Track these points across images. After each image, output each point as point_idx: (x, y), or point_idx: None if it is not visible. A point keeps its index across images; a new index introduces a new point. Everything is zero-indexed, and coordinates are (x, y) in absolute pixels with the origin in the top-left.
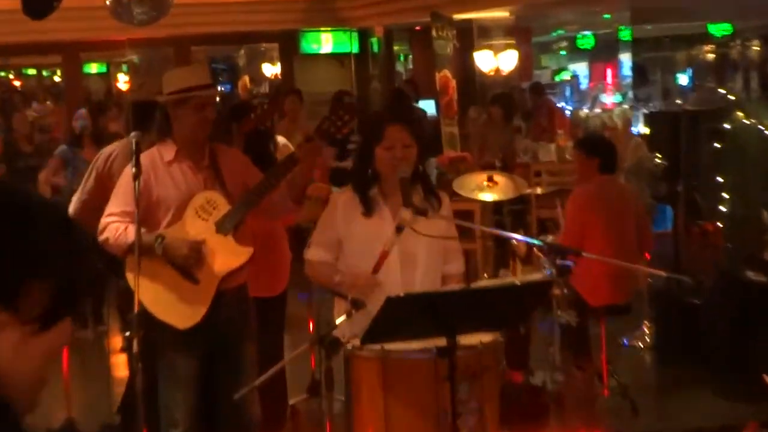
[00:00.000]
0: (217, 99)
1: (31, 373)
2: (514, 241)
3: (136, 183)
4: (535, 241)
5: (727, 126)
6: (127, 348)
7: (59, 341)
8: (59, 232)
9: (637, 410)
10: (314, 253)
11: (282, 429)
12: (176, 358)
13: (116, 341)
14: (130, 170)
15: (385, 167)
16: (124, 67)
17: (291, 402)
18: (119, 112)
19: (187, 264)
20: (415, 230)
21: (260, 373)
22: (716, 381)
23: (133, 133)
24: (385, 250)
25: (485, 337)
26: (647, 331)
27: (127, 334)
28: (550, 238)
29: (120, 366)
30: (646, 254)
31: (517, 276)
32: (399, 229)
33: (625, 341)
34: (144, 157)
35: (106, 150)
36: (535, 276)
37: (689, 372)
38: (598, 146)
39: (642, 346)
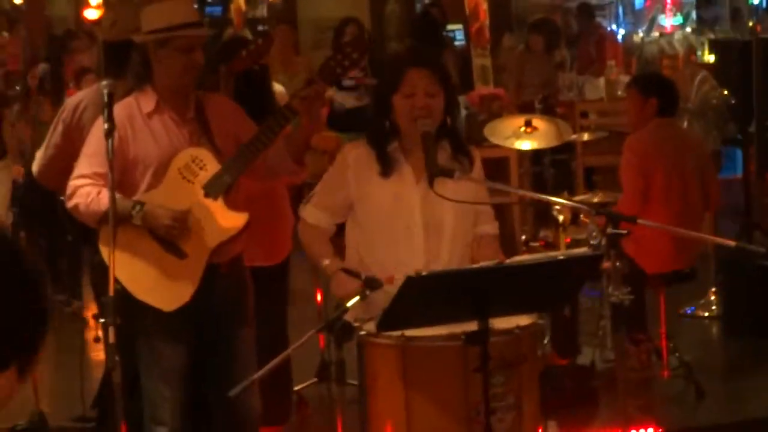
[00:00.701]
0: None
1: None
2: (556, 208)
3: (109, 141)
4: (582, 207)
5: None
6: (103, 338)
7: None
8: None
9: (702, 393)
10: (311, 214)
11: (286, 422)
12: (161, 346)
13: (89, 321)
14: (102, 125)
15: (404, 119)
16: None
17: (297, 388)
18: (90, 42)
19: (169, 236)
20: (438, 194)
21: (260, 358)
22: None
23: (104, 82)
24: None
25: (523, 321)
26: (714, 300)
27: (102, 321)
28: (598, 197)
29: (94, 348)
30: (712, 210)
31: (560, 239)
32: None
33: (688, 311)
34: (119, 109)
35: (74, 98)
36: (581, 249)
37: (764, 347)
38: (656, 85)
39: (707, 315)
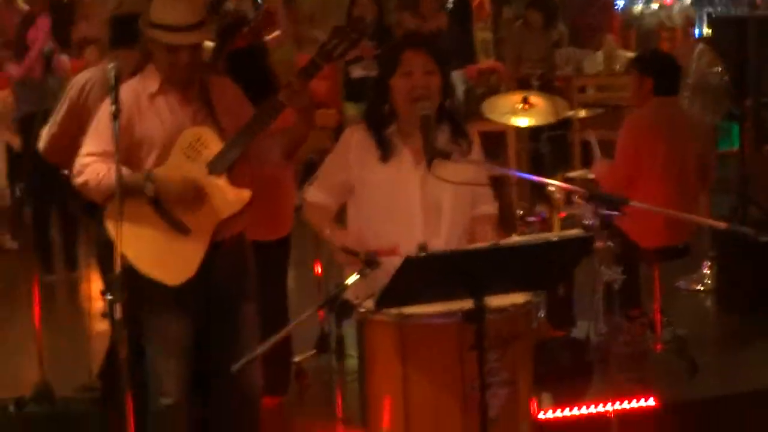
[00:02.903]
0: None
1: None
2: (550, 188)
3: (115, 123)
4: (575, 188)
5: None
6: (109, 314)
7: None
8: None
9: (696, 368)
10: (314, 195)
11: (285, 393)
12: (167, 319)
13: (95, 290)
14: (109, 105)
15: (402, 99)
16: None
17: (296, 359)
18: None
19: (182, 203)
20: (438, 177)
21: (262, 330)
22: None
23: (110, 65)
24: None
25: (518, 299)
26: (708, 274)
27: (109, 297)
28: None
29: (100, 320)
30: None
31: (554, 217)
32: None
33: (682, 285)
34: (125, 90)
35: (80, 78)
36: (573, 230)
37: (757, 321)
38: (653, 64)
39: (702, 289)
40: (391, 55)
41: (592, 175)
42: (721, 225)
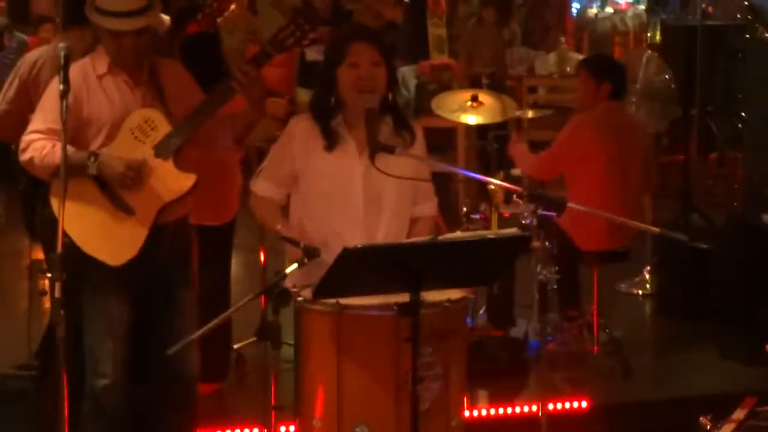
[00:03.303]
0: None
1: None
2: (491, 186)
3: (63, 102)
4: (515, 187)
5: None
6: (49, 292)
7: None
8: None
9: (630, 371)
10: (262, 187)
11: (224, 379)
12: (106, 300)
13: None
14: (57, 84)
15: (349, 90)
16: None
17: (236, 346)
18: None
19: (123, 185)
20: (380, 170)
21: (202, 315)
22: (725, 339)
23: (61, 44)
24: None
25: (453, 294)
26: (648, 279)
27: (49, 275)
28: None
29: (41, 299)
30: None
31: (493, 215)
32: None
33: (622, 288)
34: (74, 70)
35: (31, 55)
36: (511, 229)
37: (694, 327)
38: (608, 69)
39: (641, 294)
40: (338, 46)
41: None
42: (654, 229)
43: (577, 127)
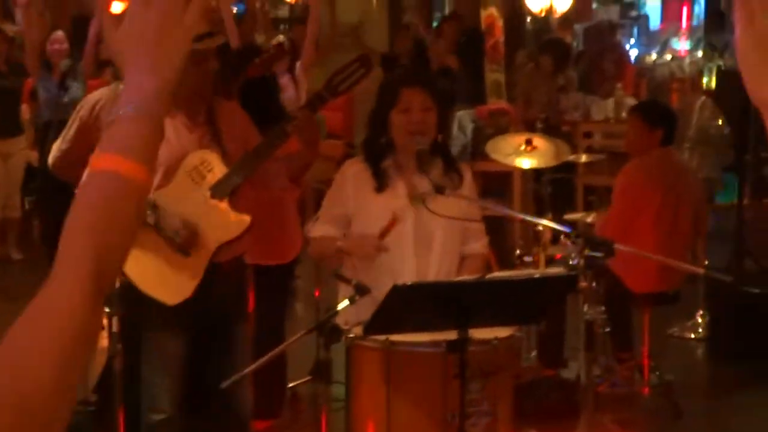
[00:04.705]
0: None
1: None
2: (539, 227)
3: None
4: (563, 228)
5: None
6: (107, 327)
7: None
8: None
9: (680, 413)
10: (318, 230)
11: (278, 416)
12: (163, 337)
13: None
14: None
15: (400, 134)
16: None
17: (291, 385)
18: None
19: (175, 240)
20: (431, 210)
21: (257, 353)
22: None
23: (122, 86)
24: (396, 215)
25: (501, 332)
26: (701, 322)
27: (107, 310)
28: (592, 216)
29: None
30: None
31: (541, 256)
32: (415, 200)
33: (675, 331)
34: None
35: (93, 97)
36: (557, 268)
37: (746, 370)
38: (662, 115)
39: (694, 337)
40: (391, 90)
41: (590, 218)
42: (699, 270)
43: (628, 176)
